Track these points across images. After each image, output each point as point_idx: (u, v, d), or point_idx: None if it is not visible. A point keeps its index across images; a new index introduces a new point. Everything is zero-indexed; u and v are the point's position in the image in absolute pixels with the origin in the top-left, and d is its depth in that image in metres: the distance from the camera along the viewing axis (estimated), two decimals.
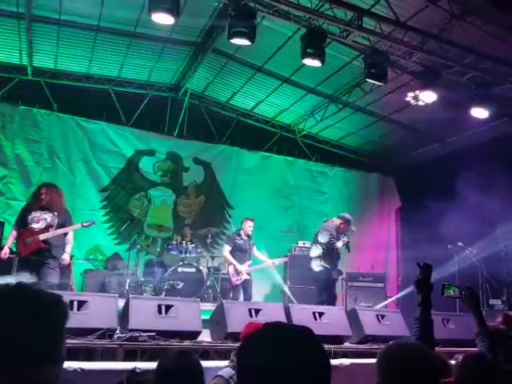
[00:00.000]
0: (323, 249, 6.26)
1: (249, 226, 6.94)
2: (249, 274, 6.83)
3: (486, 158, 7.33)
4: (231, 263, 6.79)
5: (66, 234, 5.03)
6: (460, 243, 7.32)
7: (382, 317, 5.10)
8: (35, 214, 4.90)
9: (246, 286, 6.76)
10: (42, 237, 4.80)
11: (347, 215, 6.61)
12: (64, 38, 7.68)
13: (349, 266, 8.36)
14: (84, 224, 5.15)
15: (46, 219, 4.90)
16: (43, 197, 4.93)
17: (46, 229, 4.86)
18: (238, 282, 6.72)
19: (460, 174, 7.26)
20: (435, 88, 6.66)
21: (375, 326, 4.98)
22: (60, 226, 4.97)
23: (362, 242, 9.17)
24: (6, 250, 4.92)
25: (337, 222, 6.52)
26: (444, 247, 7.32)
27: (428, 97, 6.74)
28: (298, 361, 0.97)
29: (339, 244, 6.25)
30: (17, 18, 7.12)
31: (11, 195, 8.04)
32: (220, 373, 2.68)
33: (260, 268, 7.22)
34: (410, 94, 7.23)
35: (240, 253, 6.83)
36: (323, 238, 6.31)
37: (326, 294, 6.20)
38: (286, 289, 7.83)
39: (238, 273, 6.72)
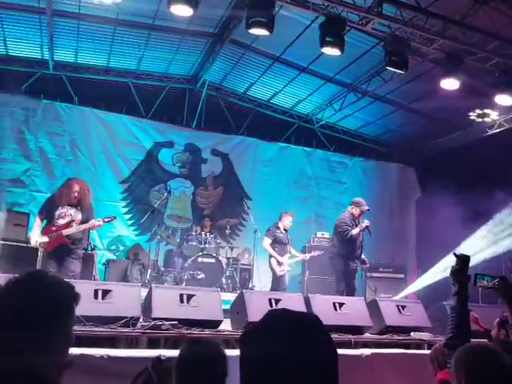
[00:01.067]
0: (339, 239, 6.23)
1: (289, 222, 7.07)
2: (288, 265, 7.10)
3: (511, 146, 7.15)
4: (272, 255, 6.95)
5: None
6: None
7: (403, 307, 5.06)
8: (62, 210, 4.99)
9: None
10: (65, 232, 4.91)
11: (356, 198, 6.41)
12: (84, 31, 7.78)
13: (368, 257, 8.30)
14: (106, 220, 5.24)
15: (71, 214, 5.02)
16: (76, 195, 5.01)
17: (69, 223, 4.97)
18: (282, 273, 6.93)
19: (482, 164, 7.11)
20: (457, 75, 6.51)
21: (396, 316, 4.95)
22: (83, 220, 5.06)
23: (382, 232, 9.08)
24: (36, 238, 4.94)
25: (350, 209, 6.38)
26: (465, 238, 7.21)
27: (450, 84, 6.60)
28: (302, 350, 0.91)
29: (354, 231, 6.08)
30: (38, 13, 7.23)
31: (35, 187, 8.24)
32: None
33: (296, 261, 7.56)
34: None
35: (280, 245, 7.00)
36: (337, 229, 6.29)
37: (344, 284, 6.18)
38: (305, 279, 7.87)
39: (280, 264, 6.91)
